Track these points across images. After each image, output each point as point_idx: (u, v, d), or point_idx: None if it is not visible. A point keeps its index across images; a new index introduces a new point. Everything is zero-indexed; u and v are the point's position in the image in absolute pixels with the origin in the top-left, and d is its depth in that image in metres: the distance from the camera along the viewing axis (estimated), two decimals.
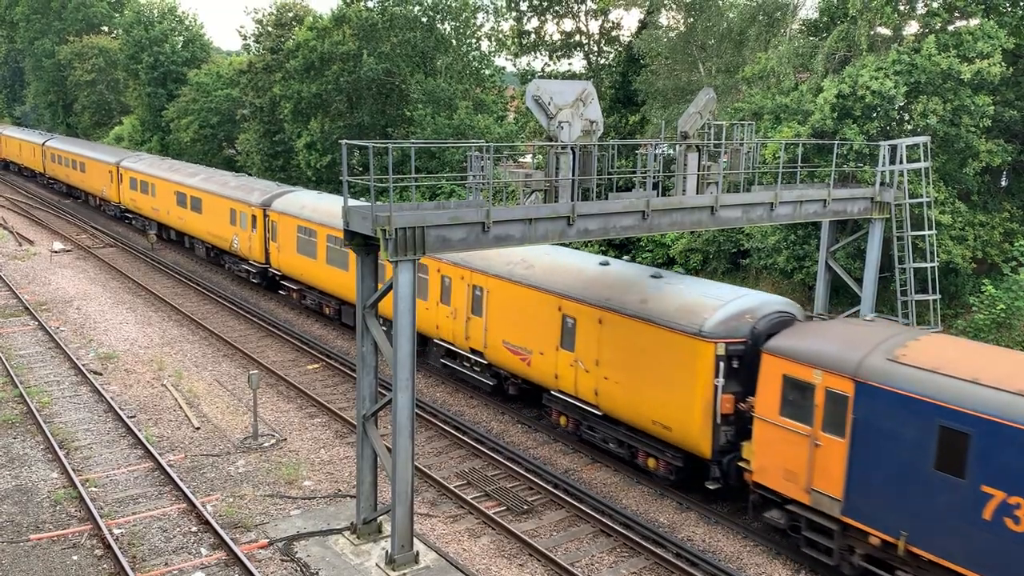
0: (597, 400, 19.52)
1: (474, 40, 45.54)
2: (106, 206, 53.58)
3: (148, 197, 45.16)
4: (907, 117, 25.21)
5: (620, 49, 44.68)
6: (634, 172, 18.47)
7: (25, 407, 22.41)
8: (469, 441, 21.13)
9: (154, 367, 26.12)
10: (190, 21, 71.17)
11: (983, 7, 24.89)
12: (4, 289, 35.19)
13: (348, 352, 28.00)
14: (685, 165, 17.84)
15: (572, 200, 15.89)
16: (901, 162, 22.51)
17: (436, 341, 24.74)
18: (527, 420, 22.67)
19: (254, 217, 33.97)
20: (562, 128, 15.80)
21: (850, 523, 14.62)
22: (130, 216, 49.30)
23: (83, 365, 25.70)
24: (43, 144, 64.98)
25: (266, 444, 20.85)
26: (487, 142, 16.14)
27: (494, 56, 46.64)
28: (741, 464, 16.83)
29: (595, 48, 46.19)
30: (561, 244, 22.86)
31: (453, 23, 44.10)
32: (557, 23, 46.19)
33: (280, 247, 32.48)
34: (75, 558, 15.59)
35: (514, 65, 48.61)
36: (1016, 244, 24.94)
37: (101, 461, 19.59)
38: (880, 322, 16.70)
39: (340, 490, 18.52)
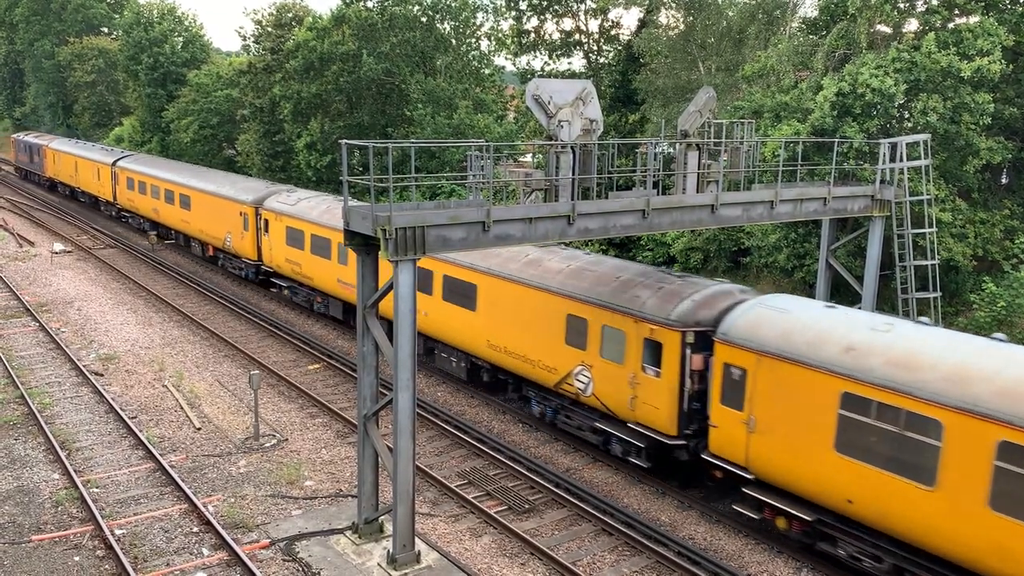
0: None
1: (474, 39, 45.55)
2: (228, 261, 37.99)
3: (327, 263, 29.20)
4: (907, 115, 25.19)
5: (620, 48, 44.64)
6: (634, 171, 18.51)
7: (26, 408, 22.43)
8: (470, 441, 21.13)
9: (155, 368, 26.13)
10: (189, 22, 71.21)
11: (983, 4, 24.86)
12: (5, 290, 35.21)
13: (349, 352, 27.99)
14: (685, 164, 17.85)
15: (572, 199, 15.91)
16: (901, 160, 22.52)
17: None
18: (528, 420, 22.68)
19: (640, 340, 18.25)
20: (562, 127, 15.81)
21: None
22: (281, 284, 33.55)
23: (84, 366, 25.72)
24: (114, 164, 49.68)
25: (267, 444, 20.86)
26: (487, 141, 16.13)
27: (494, 55, 46.69)
28: None
29: (595, 47, 46.15)
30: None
31: (453, 23, 44.11)
32: (556, 22, 46.15)
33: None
34: (77, 559, 15.61)
35: (514, 64, 48.61)
36: (1017, 241, 24.91)
37: (102, 462, 19.61)
38: None
39: (341, 490, 18.53)
